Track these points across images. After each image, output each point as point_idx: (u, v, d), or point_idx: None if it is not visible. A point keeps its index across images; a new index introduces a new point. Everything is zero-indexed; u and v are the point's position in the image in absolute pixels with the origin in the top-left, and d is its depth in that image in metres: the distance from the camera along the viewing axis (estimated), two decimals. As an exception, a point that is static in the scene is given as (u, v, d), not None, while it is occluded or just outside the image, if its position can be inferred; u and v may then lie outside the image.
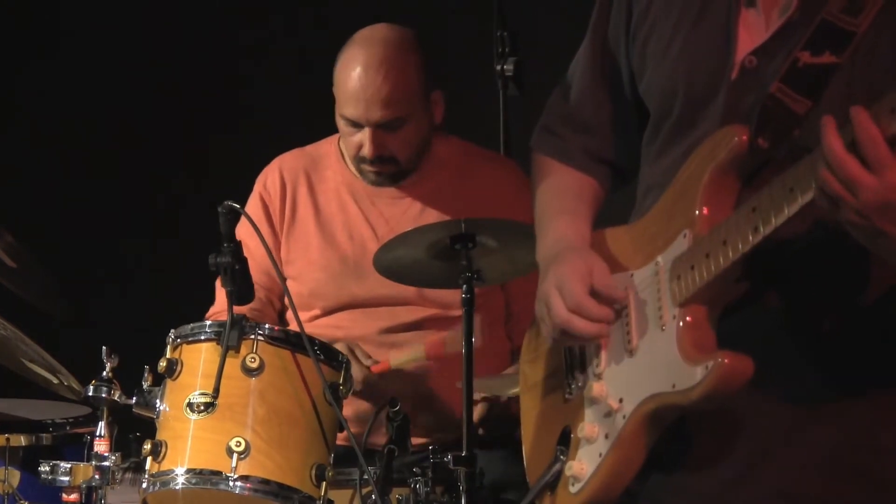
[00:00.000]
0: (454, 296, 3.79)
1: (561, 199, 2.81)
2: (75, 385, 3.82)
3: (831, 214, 2.29)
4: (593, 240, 2.74)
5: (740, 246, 2.41)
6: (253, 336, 3.39)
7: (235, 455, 3.31)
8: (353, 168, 4.24)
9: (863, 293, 2.49)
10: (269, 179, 4.30)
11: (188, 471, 3.33)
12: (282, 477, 3.33)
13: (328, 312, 4.18)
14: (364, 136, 4.08)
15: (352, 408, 3.85)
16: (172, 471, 3.34)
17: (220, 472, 3.31)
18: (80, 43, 5.72)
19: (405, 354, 4.01)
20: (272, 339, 3.40)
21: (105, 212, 5.61)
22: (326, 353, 3.46)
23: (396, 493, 3.61)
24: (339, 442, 3.47)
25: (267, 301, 4.19)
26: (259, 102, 5.55)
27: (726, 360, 2.42)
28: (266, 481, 3.32)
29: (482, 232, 3.65)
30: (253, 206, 4.25)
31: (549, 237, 2.76)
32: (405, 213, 4.18)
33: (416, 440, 3.70)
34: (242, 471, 3.31)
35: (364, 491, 3.57)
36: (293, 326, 3.56)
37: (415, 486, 3.60)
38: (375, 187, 4.20)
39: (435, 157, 4.23)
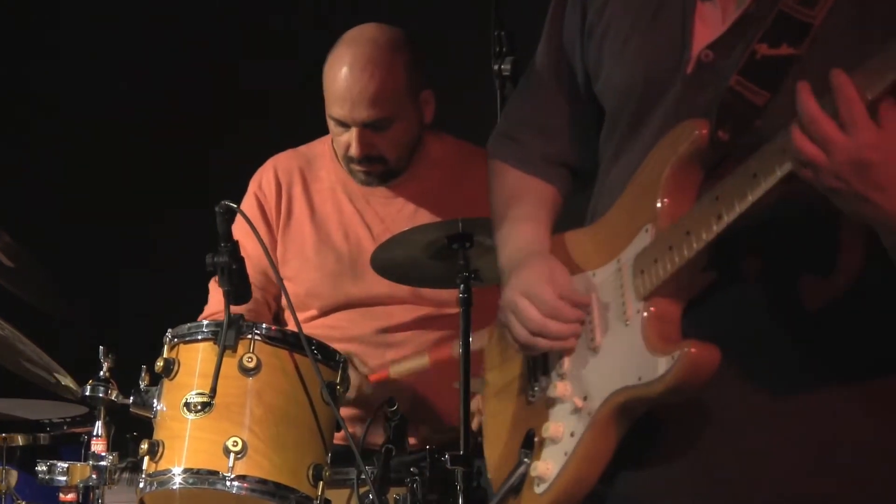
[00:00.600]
0: (449, 294, 3.79)
1: (520, 205, 2.80)
2: (72, 385, 3.82)
3: (813, 184, 2.27)
4: (553, 244, 2.73)
5: (704, 235, 2.40)
6: (250, 336, 3.38)
7: (232, 455, 3.30)
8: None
9: (832, 281, 2.48)
10: (263, 179, 4.30)
11: (185, 470, 3.32)
12: (279, 477, 3.32)
13: (325, 312, 4.18)
14: (351, 135, 4.09)
15: (349, 408, 3.85)
16: (169, 470, 3.33)
17: (217, 472, 3.30)
18: (79, 43, 5.72)
19: (406, 364, 4.01)
20: (269, 339, 3.40)
21: (103, 212, 5.61)
22: (324, 353, 3.45)
23: (394, 493, 3.61)
24: (336, 442, 3.47)
25: (263, 301, 4.19)
26: (257, 103, 5.55)
27: (693, 350, 2.40)
28: (263, 481, 3.31)
29: (479, 231, 3.65)
30: (248, 206, 4.25)
31: (510, 245, 2.75)
32: (400, 212, 4.18)
33: (413, 440, 3.70)
34: (239, 470, 3.30)
35: (361, 491, 3.57)
36: (290, 327, 3.56)
37: (412, 485, 3.60)
38: (369, 187, 4.20)
39: (429, 156, 4.22)
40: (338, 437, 3.48)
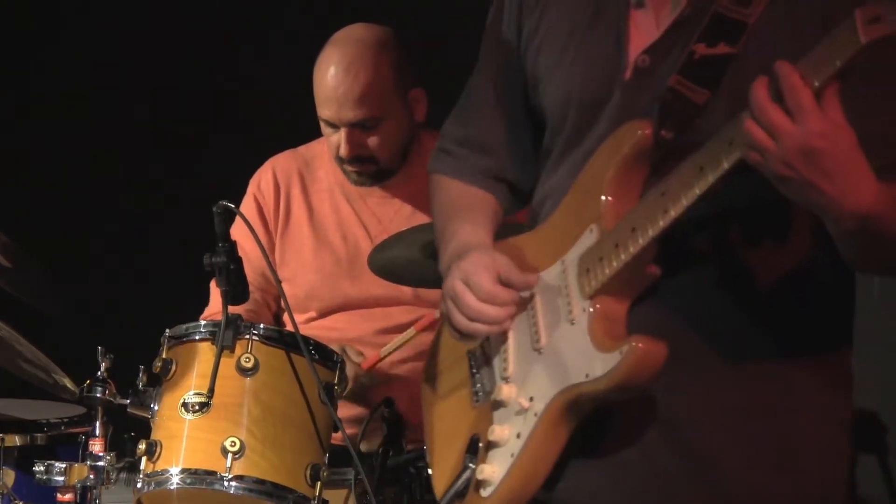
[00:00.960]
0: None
1: (461, 212, 2.83)
2: (70, 385, 3.81)
3: (762, 170, 2.31)
4: (496, 249, 2.74)
5: (650, 230, 2.43)
6: (248, 336, 3.38)
7: (230, 455, 3.30)
8: (343, 168, 4.25)
9: (781, 268, 2.53)
10: (262, 181, 4.30)
11: (183, 471, 3.32)
12: (276, 477, 3.32)
13: (323, 314, 4.18)
14: (340, 136, 4.09)
15: (347, 408, 3.85)
16: (167, 471, 3.33)
17: (215, 472, 3.30)
18: (75, 42, 5.72)
19: (394, 343, 4.01)
20: (267, 339, 3.40)
21: (101, 211, 5.60)
22: (321, 353, 3.45)
23: (391, 493, 3.61)
24: (334, 442, 3.46)
25: (263, 302, 4.19)
26: (254, 103, 5.54)
27: (640, 345, 2.42)
28: (261, 481, 3.31)
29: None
30: (247, 207, 4.25)
31: (452, 245, 2.77)
32: (398, 212, 4.18)
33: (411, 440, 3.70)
34: (237, 471, 3.30)
35: (358, 491, 3.57)
36: (290, 327, 3.56)
37: (409, 485, 3.60)
38: (363, 187, 4.20)
39: (426, 155, 4.22)
40: (335, 438, 3.48)
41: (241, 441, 3.31)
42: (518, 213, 2.95)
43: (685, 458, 2.53)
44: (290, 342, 3.40)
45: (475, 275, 2.62)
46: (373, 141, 4.09)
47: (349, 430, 3.49)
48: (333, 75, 4.06)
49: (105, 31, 5.66)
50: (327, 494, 3.40)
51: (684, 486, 2.53)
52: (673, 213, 2.41)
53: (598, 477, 2.58)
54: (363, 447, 3.68)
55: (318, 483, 3.36)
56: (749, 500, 2.52)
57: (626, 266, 2.47)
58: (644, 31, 2.59)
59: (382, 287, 4.03)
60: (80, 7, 5.72)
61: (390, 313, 4.16)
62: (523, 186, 2.86)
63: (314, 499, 3.35)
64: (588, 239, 2.55)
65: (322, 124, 4.14)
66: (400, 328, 4.12)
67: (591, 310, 2.51)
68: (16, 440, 3.96)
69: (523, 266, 2.66)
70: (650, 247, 2.45)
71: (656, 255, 2.48)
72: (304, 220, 4.24)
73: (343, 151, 4.09)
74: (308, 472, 3.35)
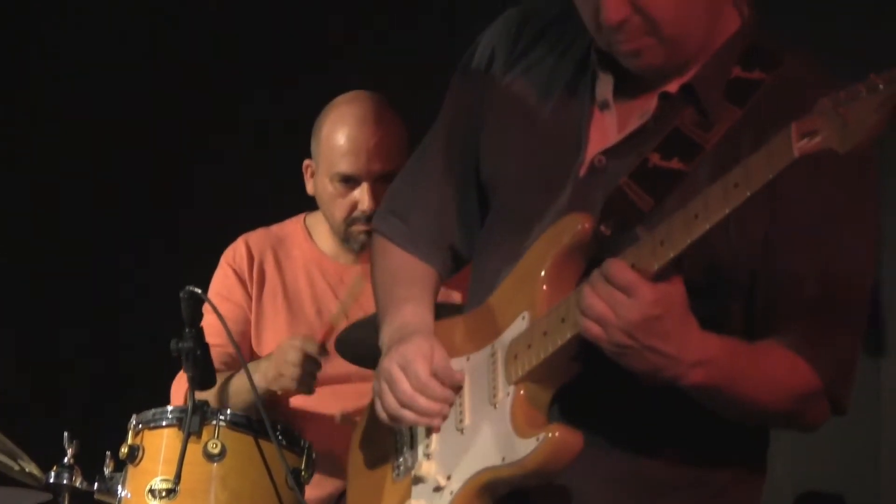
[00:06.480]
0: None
1: (405, 286, 2.87)
2: (36, 471, 3.79)
3: (599, 342, 2.42)
4: (438, 328, 2.79)
5: (579, 322, 2.47)
6: (214, 422, 3.40)
7: (197, 541, 3.30)
8: (321, 246, 4.24)
9: None
10: (236, 253, 4.28)
11: (150, 557, 3.32)
12: (244, 563, 3.32)
13: (293, 391, 4.15)
14: (362, 191, 4.08)
15: (314, 489, 3.83)
16: (135, 558, 3.32)
17: (182, 560, 3.30)
18: (62, 62, 5.60)
19: (345, 294, 4.02)
20: (234, 425, 3.41)
21: (69, 291, 5.55)
22: (288, 439, 3.46)
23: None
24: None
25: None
26: (224, 178, 5.50)
27: (556, 434, 2.49)
28: (228, 568, 3.31)
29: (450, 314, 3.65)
30: (222, 276, 4.22)
31: (395, 324, 2.81)
32: (375, 290, 4.16)
33: None
34: (204, 557, 3.30)
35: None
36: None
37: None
38: (344, 265, 4.19)
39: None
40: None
41: (208, 528, 3.30)
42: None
43: None
44: (257, 428, 3.41)
45: (413, 362, 2.67)
46: None
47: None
48: (362, 129, 4.08)
49: (94, 55, 5.57)
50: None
51: None
52: None
53: None
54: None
55: (286, 568, 3.35)
56: None
57: (552, 355, 2.53)
58: (605, 132, 2.65)
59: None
60: (60, 31, 5.64)
61: (362, 390, 4.12)
62: (465, 252, 2.91)
63: (281, 585, 3.34)
64: (519, 325, 2.61)
65: (332, 186, 4.11)
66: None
67: (514, 395, 2.57)
68: (-19, 528, 3.93)
69: (459, 348, 2.72)
70: (578, 338, 2.50)
71: (584, 348, 2.53)
72: (279, 293, 4.23)
73: (367, 205, 4.06)
74: (276, 558, 3.35)
